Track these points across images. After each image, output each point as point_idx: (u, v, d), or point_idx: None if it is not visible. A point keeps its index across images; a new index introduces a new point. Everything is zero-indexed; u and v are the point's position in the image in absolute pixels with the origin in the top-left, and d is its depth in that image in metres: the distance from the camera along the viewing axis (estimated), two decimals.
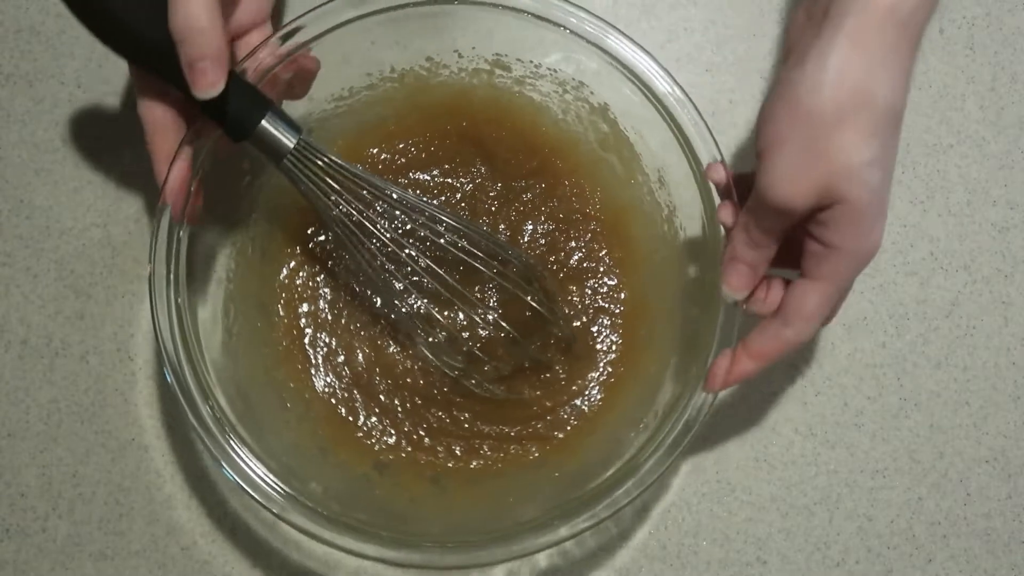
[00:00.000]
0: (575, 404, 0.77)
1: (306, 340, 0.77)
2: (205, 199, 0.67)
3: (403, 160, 0.80)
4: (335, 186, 0.67)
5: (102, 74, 0.82)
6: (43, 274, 0.80)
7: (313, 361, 0.77)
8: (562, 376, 0.78)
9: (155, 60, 0.61)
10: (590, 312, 0.79)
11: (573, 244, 0.80)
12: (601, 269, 0.80)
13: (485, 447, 0.76)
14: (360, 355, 0.77)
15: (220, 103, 0.61)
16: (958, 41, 0.85)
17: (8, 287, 0.79)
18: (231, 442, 0.65)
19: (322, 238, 0.78)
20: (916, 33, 0.56)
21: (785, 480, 0.80)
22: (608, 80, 0.72)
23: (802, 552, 0.79)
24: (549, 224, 0.80)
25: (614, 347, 0.79)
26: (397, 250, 0.71)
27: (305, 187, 0.66)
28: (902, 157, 0.83)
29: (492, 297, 0.78)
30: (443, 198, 0.79)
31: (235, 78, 0.63)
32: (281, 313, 0.77)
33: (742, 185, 0.67)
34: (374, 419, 0.76)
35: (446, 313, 0.77)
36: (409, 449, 0.76)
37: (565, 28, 0.69)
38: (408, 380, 0.77)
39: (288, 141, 0.64)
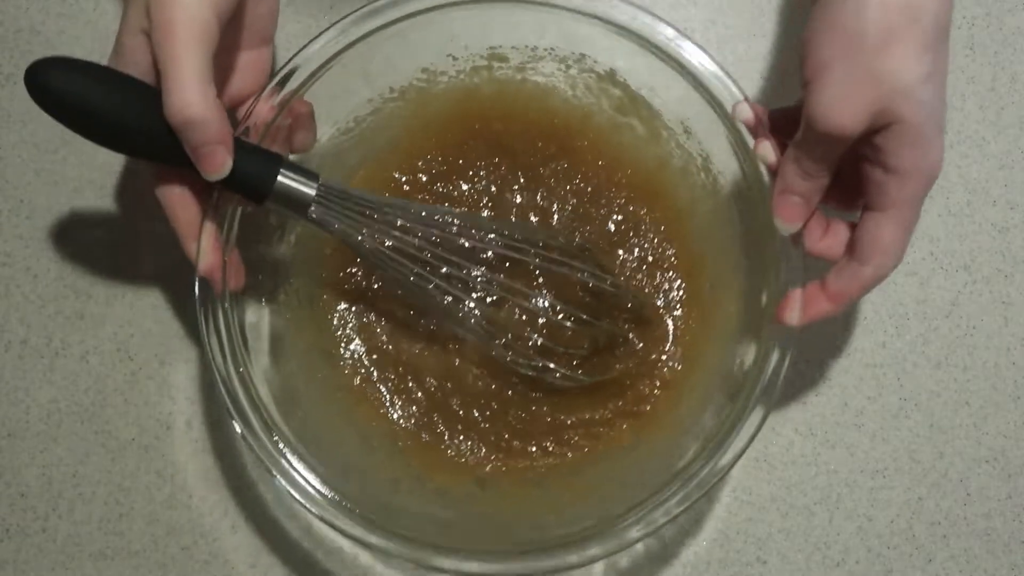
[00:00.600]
0: (657, 371, 0.76)
1: (374, 376, 0.77)
2: (244, 263, 0.67)
3: (424, 177, 0.79)
4: (365, 219, 0.67)
5: None
6: (43, 274, 0.80)
7: (386, 395, 0.76)
8: (638, 345, 0.76)
9: (158, 151, 0.60)
10: (647, 274, 0.78)
11: (609, 211, 0.79)
12: (643, 228, 0.79)
13: (576, 437, 0.75)
14: (429, 377, 0.76)
15: (233, 173, 0.60)
16: (958, 41, 0.85)
17: (8, 287, 0.79)
18: (334, 503, 0.64)
19: (362, 272, 0.78)
20: None
21: (785, 480, 0.80)
22: (608, 44, 0.71)
23: (802, 552, 0.79)
24: (580, 199, 0.79)
25: (679, 304, 0.77)
26: (441, 264, 0.71)
27: (336, 229, 0.66)
28: None
29: (545, 284, 0.77)
30: (471, 203, 0.79)
31: (240, 143, 0.62)
32: (344, 355, 0.77)
33: (784, 120, 0.66)
34: (460, 436, 0.75)
35: (504, 313, 0.76)
36: (503, 456, 0.75)
37: (553, 5, 0.68)
38: (480, 388, 0.76)
39: (309, 190, 0.64)
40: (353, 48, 0.68)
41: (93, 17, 0.82)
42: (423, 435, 0.75)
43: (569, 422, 0.76)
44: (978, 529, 0.80)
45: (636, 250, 0.79)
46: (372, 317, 0.78)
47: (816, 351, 0.81)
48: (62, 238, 0.80)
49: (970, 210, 0.83)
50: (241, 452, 0.78)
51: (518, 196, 0.79)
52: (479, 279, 0.73)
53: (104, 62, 0.59)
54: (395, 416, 0.76)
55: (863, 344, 0.82)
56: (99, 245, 0.80)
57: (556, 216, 0.79)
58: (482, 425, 0.76)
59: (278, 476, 0.63)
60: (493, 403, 0.76)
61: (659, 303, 0.78)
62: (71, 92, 0.56)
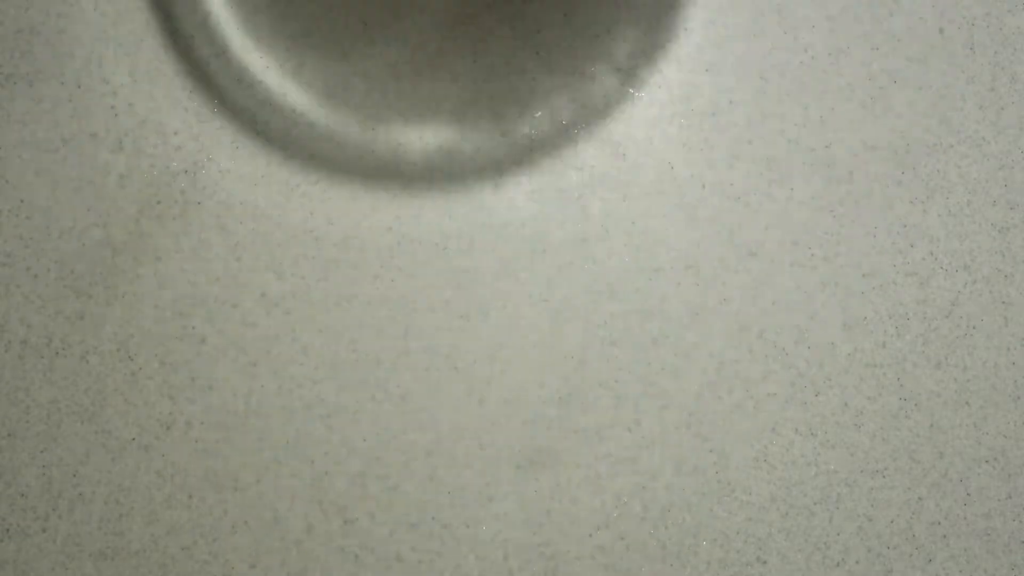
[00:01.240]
0: None
1: None
2: None
3: None
4: None
5: (102, 74, 0.82)
6: (43, 274, 0.80)
7: None
8: None
9: None
10: None
11: None
12: None
13: None
14: None
15: None
16: (958, 41, 0.85)
17: (8, 287, 0.80)
18: None
19: None
20: None
21: (785, 480, 0.80)
22: None
23: (802, 552, 0.79)
24: None
25: None
26: None
27: None
28: (902, 157, 0.83)
29: None
30: None
31: None
32: None
33: None
34: None
35: None
36: None
37: None
38: None
39: None
40: None
41: (93, 17, 0.82)
42: None
43: None
44: (978, 529, 0.80)
45: None
46: None
47: (816, 351, 0.81)
48: (62, 238, 0.80)
49: (970, 210, 0.84)
50: (242, 451, 0.78)
51: None
52: None
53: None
54: None
55: (863, 344, 0.82)
56: (99, 245, 0.80)
57: None
58: None
59: None
60: None
61: None
62: None
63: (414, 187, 0.80)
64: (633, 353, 0.79)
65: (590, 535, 0.79)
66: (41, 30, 0.87)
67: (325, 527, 0.77)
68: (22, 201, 0.85)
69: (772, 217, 0.80)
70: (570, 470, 0.78)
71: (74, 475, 0.81)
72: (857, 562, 0.83)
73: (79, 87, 0.84)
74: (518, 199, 0.80)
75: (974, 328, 0.85)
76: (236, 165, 0.79)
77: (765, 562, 0.83)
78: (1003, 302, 0.86)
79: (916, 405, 0.85)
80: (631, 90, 0.79)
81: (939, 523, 0.83)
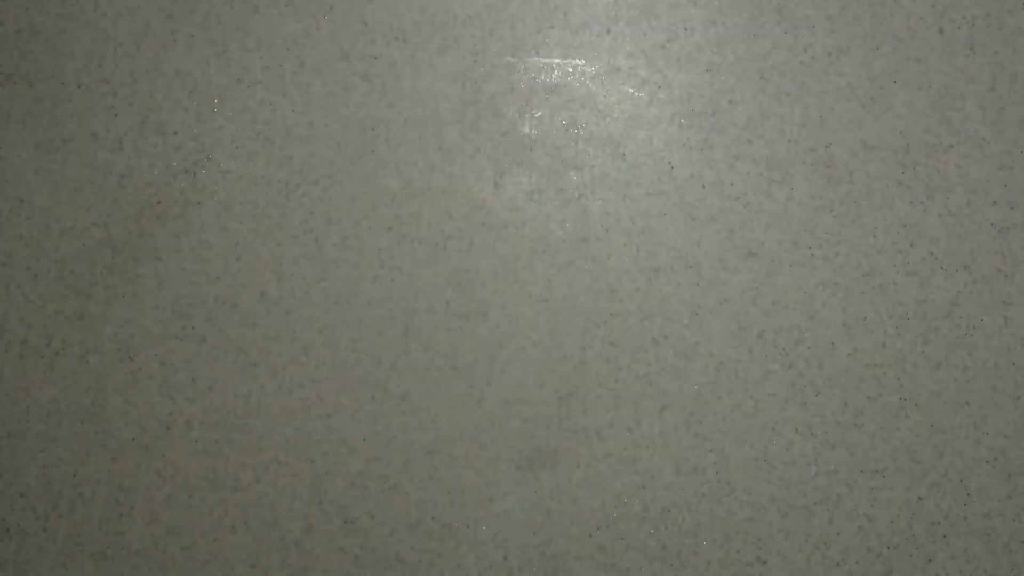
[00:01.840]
0: None
1: None
2: None
3: None
4: None
5: (102, 74, 0.82)
6: (43, 274, 0.80)
7: None
8: None
9: None
10: None
11: None
12: None
13: None
14: None
15: None
16: (958, 41, 0.85)
17: (8, 287, 0.79)
18: None
19: None
20: None
21: (785, 480, 0.80)
22: None
23: (802, 552, 0.79)
24: None
25: None
26: None
27: None
28: (902, 157, 0.83)
29: None
30: None
31: None
32: None
33: None
34: None
35: None
36: None
37: None
38: None
39: None
40: None
41: (93, 17, 0.82)
42: None
43: None
44: (978, 529, 0.80)
45: None
46: None
47: (816, 351, 0.81)
48: (62, 238, 0.80)
49: (970, 210, 0.84)
50: (242, 451, 0.78)
51: None
52: None
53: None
54: None
55: (863, 344, 0.82)
56: (99, 245, 0.80)
57: None
58: None
59: None
60: None
61: None
62: None
63: (414, 187, 0.80)
64: (633, 353, 0.79)
65: (590, 535, 0.79)
66: (41, 30, 0.87)
67: (325, 527, 0.77)
68: (22, 201, 0.85)
69: (772, 217, 0.79)
70: (570, 470, 0.78)
71: (74, 475, 0.81)
72: (857, 562, 0.83)
73: (79, 87, 0.85)
74: (518, 199, 0.80)
75: (974, 328, 0.85)
76: (236, 165, 0.79)
77: (765, 562, 0.83)
78: (1003, 302, 0.86)
79: (916, 405, 0.85)
80: (631, 90, 0.79)
81: (939, 523, 0.83)
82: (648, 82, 0.83)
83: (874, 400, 0.81)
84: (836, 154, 0.82)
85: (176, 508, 0.77)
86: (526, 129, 0.82)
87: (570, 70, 0.83)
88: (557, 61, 0.84)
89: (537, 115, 0.83)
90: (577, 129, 0.82)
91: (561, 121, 0.83)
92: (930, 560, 0.79)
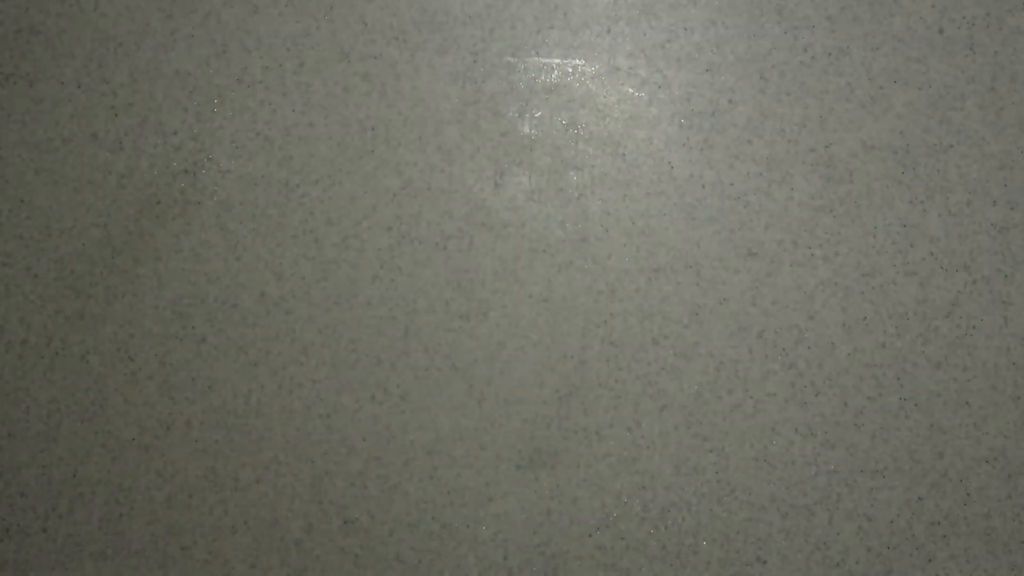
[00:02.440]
0: None
1: None
2: None
3: None
4: None
5: (102, 74, 0.82)
6: (43, 274, 0.80)
7: None
8: None
9: None
10: None
11: None
12: None
13: None
14: None
15: None
16: (958, 41, 0.85)
17: (8, 287, 0.79)
18: None
19: None
20: None
21: (785, 480, 0.80)
22: None
23: (802, 552, 0.79)
24: None
25: None
26: None
27: None
28: (902, 157, 0.83)
29: None
30: None
31: None
32: None
33: None
34: None
35: None
36: None
37: None
38: None
39: None
40: None
41: (93, 17, 0.82)
42: None
43: None
44: (978, 529, 0.80)
45: None
46: None
47: (816, 351, 0.81)
48: (62, 238, 0.80)
49: (970, 210, 0.83)
50: (242, 451, 0.78)
51: None
52: None
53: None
54: None
55: (863, 344, 0.82)
56: (99, 245, 0.80)
57: None
58: None
59: None
60: None
61: None
62: None
63: (414, 187, 0.80)
64: (633, 353, 0.79)
65: (590, 535, 0.79)
66: (41, 30, 0.87)
67: (325, 527, 0.77)
68: (22, 201, 0.85)
69: (772, 217, 0.80)
70: (570, 470, 0.78)
71: (74, 475, 0.81)
72: (857, 562, 0.83)
73: (79, 87, 0.85)
74: (518, 199, 0.80)
75: (974, 328, 0.85)
76: (236, 165, 0.79)
77: (765, 562, 0.83)
78: (1003, 302, 0.86)
79: (916, 405, 0.85)
80: (631, 90, 0.79)
81: (939, 523, 0.83)
82: (648, 82, 0.83)
83: (874, 400, 0.81)
84: (836, 154, 0.82)
85: (176, 508, 0.77)
86: (526, 129, 0.82)
87: (570, 70, 0.83)
88: (557, 61, 0.84)
89: (537, 115, 0.83)
90: (577, 129, 0.82)
91: (561, 121, 0.83)
92: (930, 560, 0.79)
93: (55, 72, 0.82)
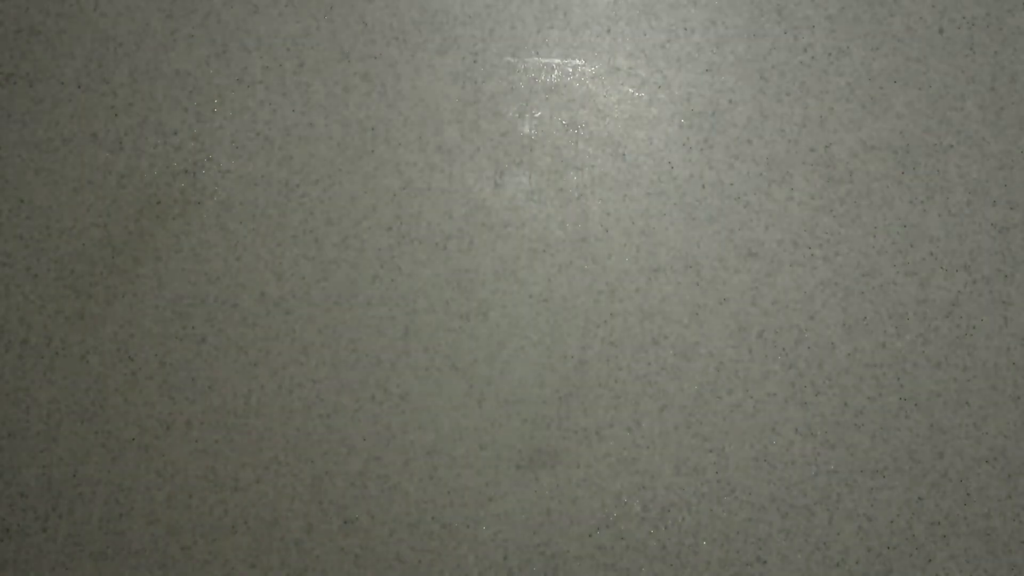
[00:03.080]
0: None
1: None
2: None
3: None
4: None
5: (102, 74, 0.82)
6: (43, 274, 0.80)
7: None
8: None
9: None
10: None
11: None
12: None
13: None
14: None
15: None
16: (958, 41, 0.85)
17: (8, 287, 0.79)
18: None
19: None
20: None
21: (785, 480, 0.80)
22: None
23: (802, 552, 0.79)
24: None
25: None
26: None
27: None
28: (902, 157, 0.83)
29: None
30: None
31: None
32: None
33: None
34: None
35: None
36: None
37: None
38: None
39: None
40: None
41: (93, 17, 0.82)
42: None
43: None
44: (978, 529, 0.80)
45: None
46: None
47: (816, 351, 0.81)
48: (62, 238, 0.80)
49: (970, 210, 0.83)
50: (242, 451, 0.78)
51: None
52: None
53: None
54: None
55: (863, 344, 0.82)
56: (99, 245, 0.80)
57: None
58: None
59: None
60: None
61: None
62: None
63: (414, 187, 0.80)
64: (633, 353, 0.79)
65: (590, 535, 0.79)
66: (41, 30, 0.87)
67: (325, 527, 0.77)
68: (22, 201, 0.85)
69: (772, 217, 0.80)
70: (570, 470, 0.78)
71: (74, 475, 0.81)
72: (857, 562, 0.83)
73: (79, 87, 0.85)
74: (518, 199, 0.80)
75: (974, 328, 0.85)
76: (236, 165, 0.79)
77: (765, 562, 0.83)
78: (1003, 302, 0.86)
79: (916, 405, 0.85)
80: (631, 90, 0.79)
81: (939, 523, 0.83)
82: (648, 82, 0.83)
83: (874, 400, 0.81)
84: (836, 154, 0.82)
85: (176, 508, 0.77)
86: (526, 129, 0.82)
87: (570, 70, 0.83)
88: (557, 61, 0.84)
89: (537, 115, 0.83)
90: (577, 129, 0.82)
91: (561, 121, 0.83)
92: (930, 560, 0.79)
93: (55, 72, 0.82)
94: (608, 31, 0.84)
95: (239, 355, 0.79)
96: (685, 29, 0.85)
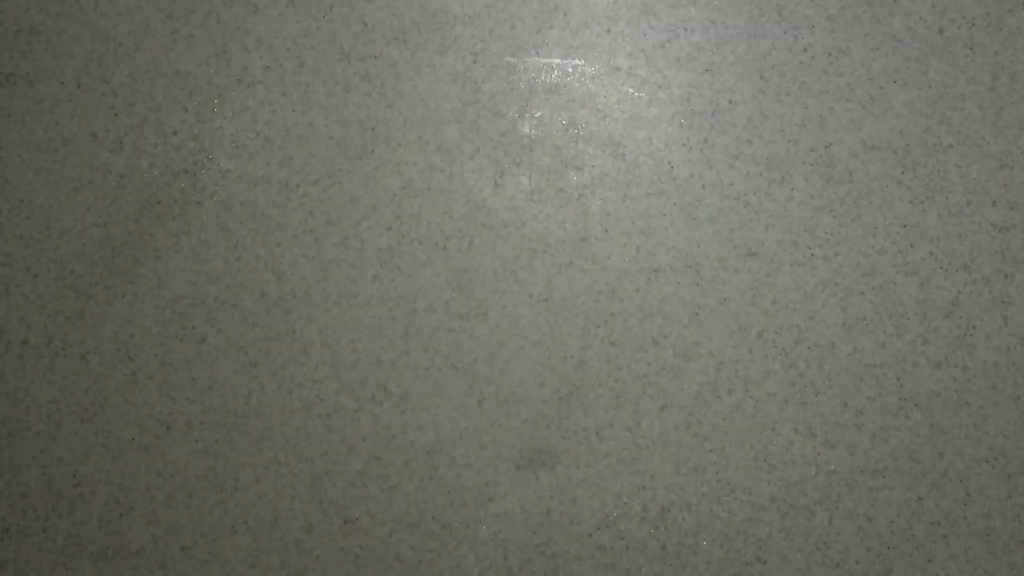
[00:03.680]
0: None
1: None
2: None
3: None
4: None
5: (102, 74, 0.82)
6: (43, 274, 0.80)
7: None
8: None
9: None
10: None
11: None
12: None
13: None
14: None
15: None
16: (958, 41, 0.85)
17: (8, 287, 0.79)
18: None
19: None
20: None
21: (785, 480, 0.80)
22: None
23: (802, 552, 0.79)
24: None
25: None
26: None
27: None
28: (902, 157, 0.83)
29: None
30: None
31: None
32: None
33: None
34: None
35: None
36: None
37: None
38: None
39: None
40: None
41: (93, 17, 0.82)
42: None
43: None
44: (978, 529, 0.80)
45: None
46: None
47: (816, 351, 0.81)
48: (62, 238, 0.80)
49: (970, 210, 0.83)
50: (242, 451, 0.78)
51: None
52: None
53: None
54: None
55: (863, 344, 0.82)
56: (99, 245, 0.80)
57: None
58: None
59: None
60: None
61: None
62: None
63: (414, 187, 0.80)
64: (633, 353, 0.79)
65: (590, 535, 0.79)
66: (41, 30, 0.87)
67: (325, 527, 0.77)
68: (22, 201, 0.85)
69: (772, 217, 0.80)
70: (570, 470, 0.78)
71: (74, 475, 0.81)
72: (857, 562, 0.83)
73: (79, 87, 0.85)
74: (518, 199, 0.80)
75: (974, 328, 0.85)
76: (236, 165, 0.79)
77: (765, 562, 0.83)
78: (1003, 302, 0.86)
79: (916, 405, 0.85)
80: (631, 90, 0.79)
81: (939, 523, 0.83)
82: (648, 82, 0.83)
83: (874, 400, 0.81)
84: (836, 154, 0.82)
85: (176, 508, 0.77)
86: (526, 129, 0.82)
87: (570, 70, 0.83)
88: (557, 61, 0.84)
89: (537, 115, 0.83)
90: (577, 129, 0.82)
91: (561, 121, 0.83)
92: (930, 560, 0.79)
93: (55, 72, 0.82)
94: (608, 31, 0.84)
95: (239, 355, 0.79)
96: (685, 29, 0.85)
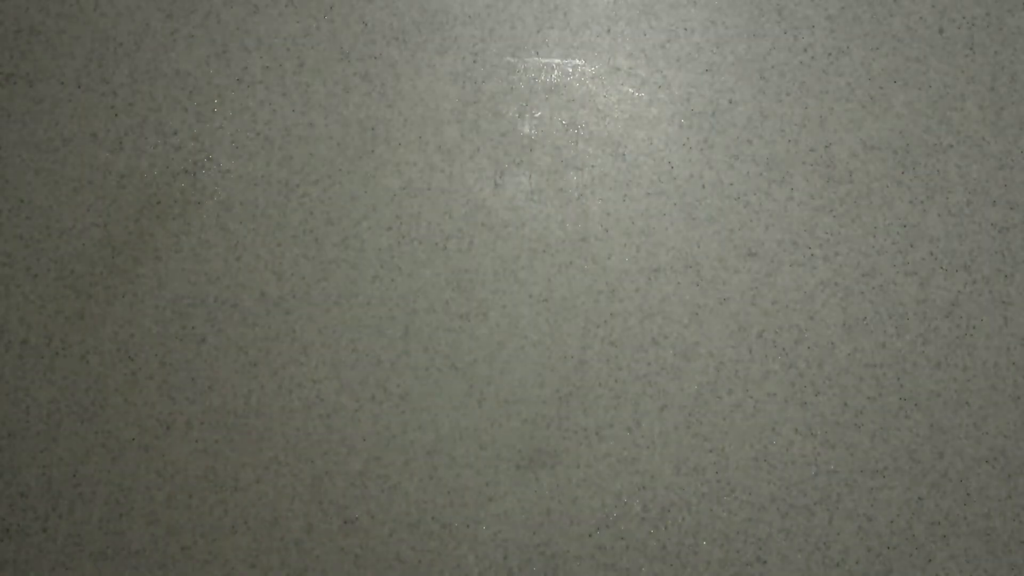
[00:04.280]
0: None
1: None
2: None
3: None
4: None
5: (102, 74, 0.82)
6: (43, 274, 0.80)
7: None
8: None
9: None
10: None
11: None
12: None
13: None
14: None
15: None
16: (958, 41, 0.85)
17: (8, 287, 0.79)
18: None
19: None
20: None
21: (785, 480, 0.80)
22: None
23: (802, 552, 0.79)
24: None
25: None
26: None
27: None
28: (902, 157, 0.83)
29: None
30: None
31: None
32: None
33: None
34: None
35: None
36: None
37: None
38: None
39: None
40: None
41: (93, 17, 0.82)
42: None
43: None
44: (978, 529, 0.80)
45: None
46: None
47: (816, 351, 0.81)
48: (62, 238, 0.80)
49: (970, 210, 0.83)
50: (242, 451, 0.78)
51: None
52: None
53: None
54: None
55: (863, 344, 0.82)
56: (99, 245, 0.80)
57: None
58: None
59: None
60: None
61: None
62: None
63: (414, 187, 0.80)
64: (633, 353, 0.79)
65: (590, 535, 0.79)
66: (41, 30, 0.87)
67: (325, 527, 0.77)
68: (22, 201, 0.85)
69: (772, 217, 0.80)
70: (570, 470, 0.78)
71: (74, 475, 0.81)
72: (857, 562, 0.83)
73: (79, 87, 0.85)
74: (518, 199, 0.80)
75: (974, 328, 0.85)
76: (236, 165, 0.79)
77: (765, 562, 0.83)
78: (1003, 302, 0.86)
79: (916, 405, 0.85)
80: (631, 90, 0.79)
81: (939, 523, 0.83)
82: (648, 82, 0.83)
83: (874, 400, 0.81)
84: (836, 154, 0.82)
85: (176, 508, 0.77)
86: (526, 129, 0.82)
87: (570, 70, 0.83)
88: (557, 61, 0.84)
89: (537, 115, 0.83)
90: (577, 129, 0.82)
91: (561, 121, 0.83)
92: (930, 560, 0.79)
93: (55, 72, 0.82)
94: (608, 31, 0.84)
95: (239, 355, 0.79)
96: (685, 29, 0.85)
